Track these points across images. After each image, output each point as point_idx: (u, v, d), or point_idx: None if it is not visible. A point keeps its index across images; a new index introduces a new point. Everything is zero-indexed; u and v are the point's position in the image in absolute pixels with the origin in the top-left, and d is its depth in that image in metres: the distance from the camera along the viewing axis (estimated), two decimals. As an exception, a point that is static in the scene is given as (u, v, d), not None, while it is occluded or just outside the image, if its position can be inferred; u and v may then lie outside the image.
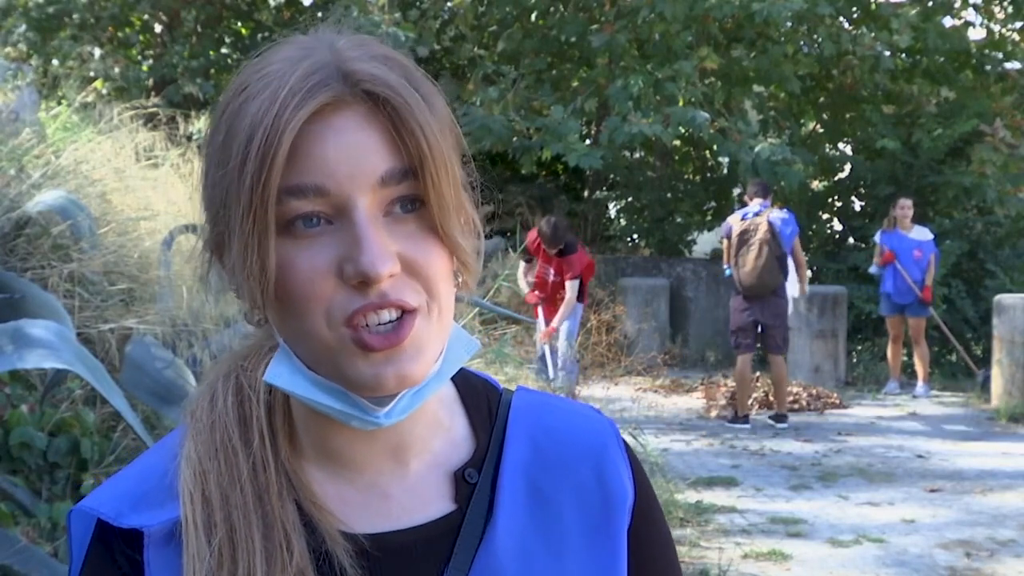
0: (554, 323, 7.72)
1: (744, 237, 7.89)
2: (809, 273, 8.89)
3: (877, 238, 9.79)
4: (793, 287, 8.14)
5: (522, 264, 8.07)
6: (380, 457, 0.82)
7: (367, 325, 0.73)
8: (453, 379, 0.88)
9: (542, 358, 7.72)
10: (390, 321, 0.74)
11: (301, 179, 0.73)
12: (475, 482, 0.83)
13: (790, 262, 8.00)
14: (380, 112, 0.74)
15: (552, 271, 7.83)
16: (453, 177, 0.77)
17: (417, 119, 0.74)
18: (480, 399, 0.89)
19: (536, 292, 7.92)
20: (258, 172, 0.72)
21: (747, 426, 8.09)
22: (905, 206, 9.55)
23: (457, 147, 0.79)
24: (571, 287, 7.75)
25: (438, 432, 0.85)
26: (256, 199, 0.72)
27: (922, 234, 9.58)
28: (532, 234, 7.87)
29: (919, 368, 9.63)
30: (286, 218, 0.73)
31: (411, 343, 0.74)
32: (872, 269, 9.90)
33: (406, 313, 0.74)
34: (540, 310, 7.91)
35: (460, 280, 0.81)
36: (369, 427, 0.78)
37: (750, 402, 8.54)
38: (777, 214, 7.98)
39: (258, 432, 0.80)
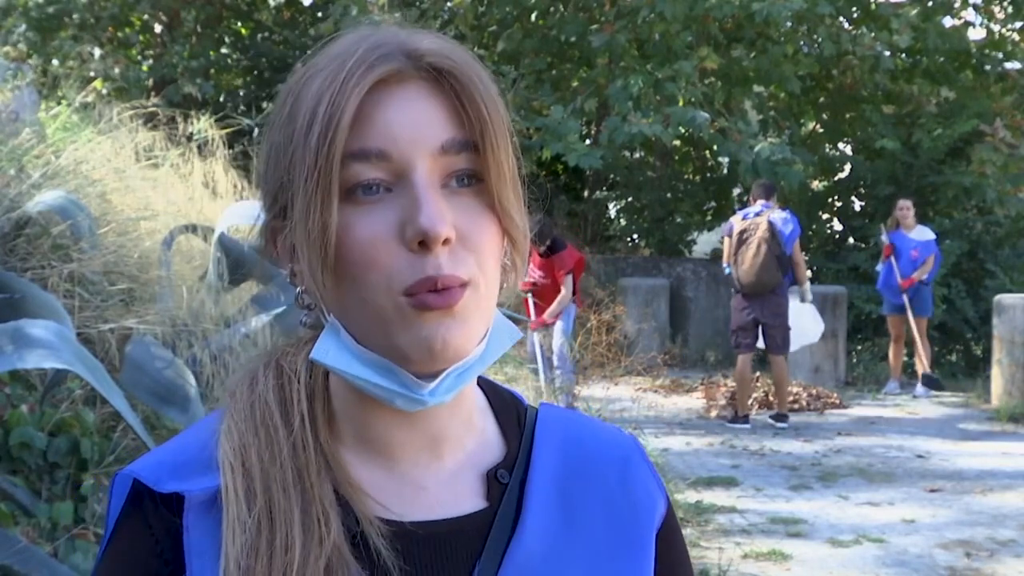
0: (545, 315, 7.74)
1: (744, 236, 7.91)
2: (809, 273, 8.89)
3: (884, 238, 9.75)
4: (795, 294, 8.17)
5: None
6: (417, 447, 0.84)
7: (423, 291, 0.75)
8: (483, 389, 0.91)
9: (535, 357, 7.72)
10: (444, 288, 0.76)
11: (364, 143, 0.75)
12: (507, 482, 0.85)
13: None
14: (443, 85, 0.78)
15: (540, 273, 7.85)
16: (509, 152, 0.80)
17: (480, 91, 0.78)
18: (509, 409, 0.91)
19: (529, 290, 7.93)
20: (324, 133, 0.74)
21: (747, 426, 8.09)
22: (904, 207, 9.57)
23: (510, 132, 0.82)
24: (564, 284, 7.79)
25: (471, 432, 0.87)
26: (322, 159, 0.74)
27: (923, 234, 9.57)
28: None
29: (919, 367, 9.62)
30: (347, 185, 0.76)
31: (459, 311, 0.76)
32: (879, 267, 9.87)
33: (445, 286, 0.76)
34: (531, 308, 7.91)
35: (508, 261, 0.83)
36: (414, 407, 0.79)
37: (750, 402, 8.54)
38: (778, 214, 7.97)
39: (299, 414, 0.81)
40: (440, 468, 0.84)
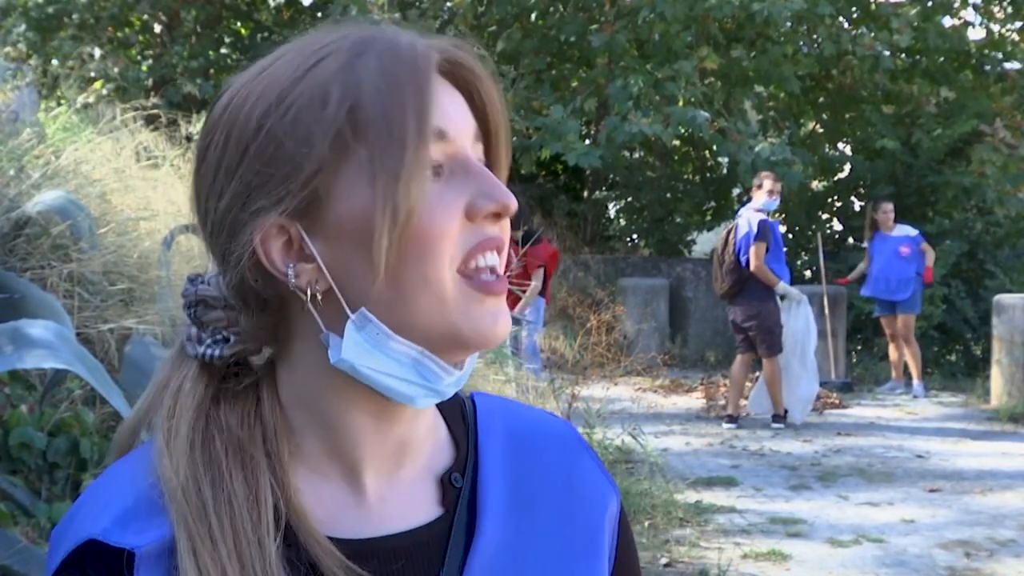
0: (515, 311, 7.79)
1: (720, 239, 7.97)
2: (808, 273, 8.78)
3: (867, 244, 9.80)
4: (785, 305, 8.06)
5: None
6: (384, 458, 0.82)
7: (479, 267, 0.76)
8: None
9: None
10: (491, 267, 0.77)
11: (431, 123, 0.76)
12: (460, 486, 0.84)
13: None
14: (456, 80, 0.80)
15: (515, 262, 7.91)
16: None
17: (494, 86, 0.81)
18: (453, 404, 0.90)
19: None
20: (418, 110, 0.74)
21: (733, 425, 8.06)
22: (887, 210, 9.59)
23: None
24: (535, 276, 7.88)
25: (429, 436, 0.86)
26: (417, 135, 0.74)
27: (904, 231, 9.57)
28: None
29: (912, 366, 9.60)
30: None
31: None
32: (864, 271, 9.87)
33: (499, 273, 0.78)
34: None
35: None
36: (432, 399, 0.79)
37: (744, 402, 8.52)
38: (745, 219, 7.74)
39: (254, 457, 0.78)
40: (401, 477, 0.83)
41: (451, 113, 0.77)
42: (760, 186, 7.83)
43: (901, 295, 9.44)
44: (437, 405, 0.87)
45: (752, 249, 7.59)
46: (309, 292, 0.76)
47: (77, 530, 0.77)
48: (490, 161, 0.81)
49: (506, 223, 0.78)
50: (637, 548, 0.95)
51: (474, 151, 0.79)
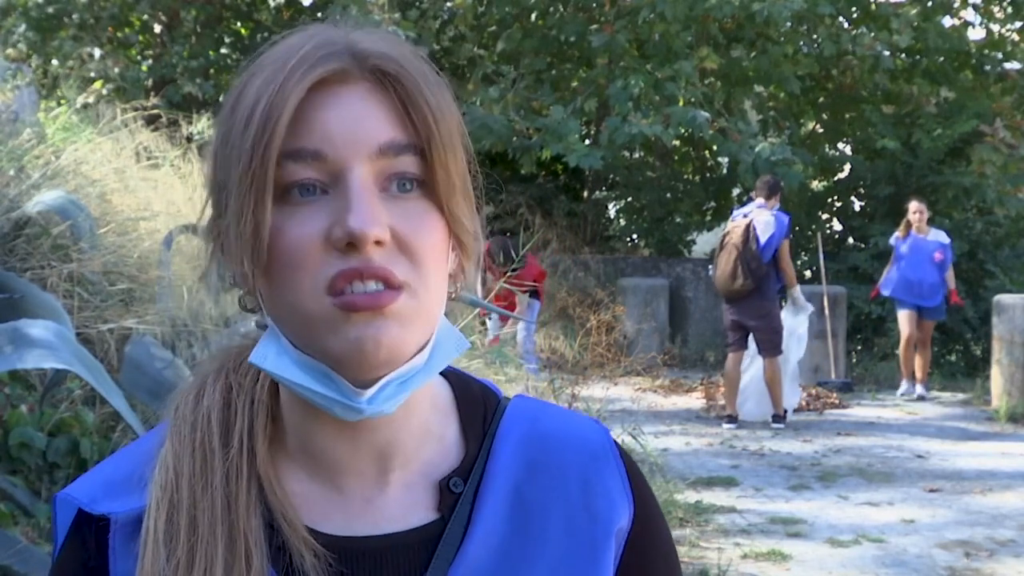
0: (497, 336, 7.90)
1: (724, 238, 7.89)
2: (809, 274, 8.78)
3: (893, 241, 9.62)
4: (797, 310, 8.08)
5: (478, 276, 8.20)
6: (363, 461, 0.81)
7: (351, 292, 0.73)
8: (451, 385, 0.87)
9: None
10: (375, 291, 0.73)
11: (300, 143, 0.73)
12: (460, 492, 0.82)
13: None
14: (388, 88, 0.76)
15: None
16: (459, 159, 0.78)
17: (425, 96, 0.76)
18: (476, 406, 0.87)
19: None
20: (260, 132, 0.73)
21: (733, 425, 8.05)
22: (920, 210, 9.31)
23: (462, 135, 0.79)
24: (520, 301, 8.15)
25: (428, 441, 0.84)
26: (256, 160, 0.73)
27: (938, 236, 9.44)
28: (485, 246, 8.03)
29: (919, 370, 9.57)
30: (283, 184, 0.74)
31: (393, 314, 0.73)
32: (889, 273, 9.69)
33: (390, 287, 0.73)
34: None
35: (454, 266, 0.80)
36: (352, 415, 0.76)
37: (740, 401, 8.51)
38: (764, 217, 7.73)
39: (238, 437, 0.79)
40: (389, 480, 0.81)
41: (332, 129, 0.74)
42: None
43: (930, 301, 9.31)
44: (458, 408, 0.86)
45: (782, 246, 7.73)
46: (241, 293, 0.80)
47: (68, 500, 0.80)
48: (430, 175, 0.76)
49: (380, 249, 0.73)
50: (670, 563, 0.89)
51: (378, 167, 0.74)
